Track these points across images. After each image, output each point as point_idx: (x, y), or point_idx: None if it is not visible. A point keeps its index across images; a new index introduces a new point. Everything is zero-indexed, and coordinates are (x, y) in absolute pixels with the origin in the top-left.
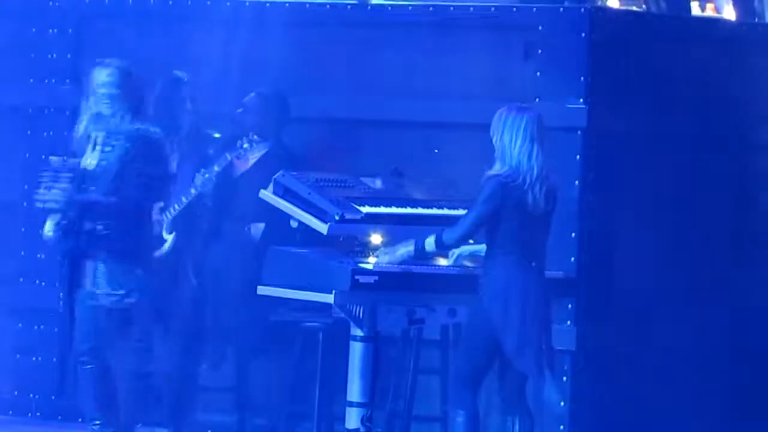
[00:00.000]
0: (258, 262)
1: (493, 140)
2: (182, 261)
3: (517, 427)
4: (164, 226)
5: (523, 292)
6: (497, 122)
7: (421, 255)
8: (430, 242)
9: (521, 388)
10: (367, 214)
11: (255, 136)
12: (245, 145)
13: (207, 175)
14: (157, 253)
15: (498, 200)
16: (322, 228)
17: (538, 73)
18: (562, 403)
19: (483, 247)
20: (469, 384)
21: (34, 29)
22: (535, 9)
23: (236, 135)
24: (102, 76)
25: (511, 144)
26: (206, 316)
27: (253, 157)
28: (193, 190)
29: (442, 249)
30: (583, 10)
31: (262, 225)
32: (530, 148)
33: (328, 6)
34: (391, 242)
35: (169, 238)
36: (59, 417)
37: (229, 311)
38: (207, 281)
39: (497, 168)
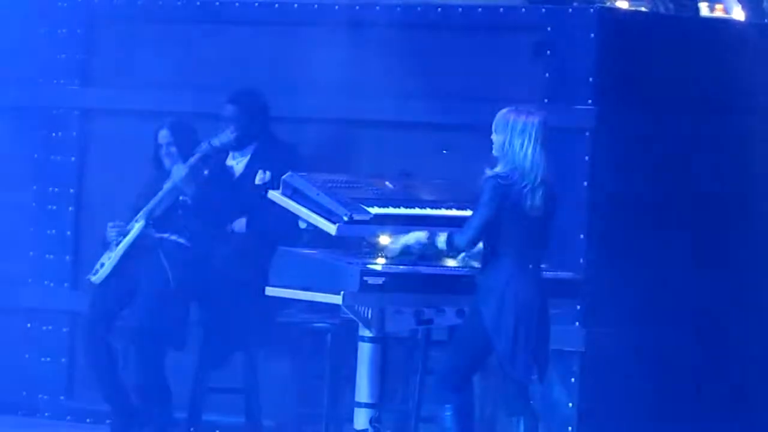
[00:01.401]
0: (244, 256)
1: (495, 140)
2: (155, 252)
3: (521, 427)
4: (140, 213)
5: (518, 295)
6: (501, 123)
7: (430, 249)
8: (441, 241)
9: (524, 388)
10: (376, 215)
11: (231, 133)
12: (221, 136)
13: (182, 166)
14: (125, 241)
15: (498, 201)
16: (331, 229)
17: (547, 74)
18: (570, 405)
19: None
20: (455, 383)
21: (43, 30)
22: (543, 10)
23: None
24: None
25: (514, 146)
26: (189, 313)
27: (242, 161)
28: (169, 183)
29: (453, 251)
30: (591, 10)
31: (243, 220)
32: (534, 150)
33: (336, 7)
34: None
35: (135, 225)
36: (68, 417)
37: (217, 309)
38: (193, 278)
39: (498, 168)
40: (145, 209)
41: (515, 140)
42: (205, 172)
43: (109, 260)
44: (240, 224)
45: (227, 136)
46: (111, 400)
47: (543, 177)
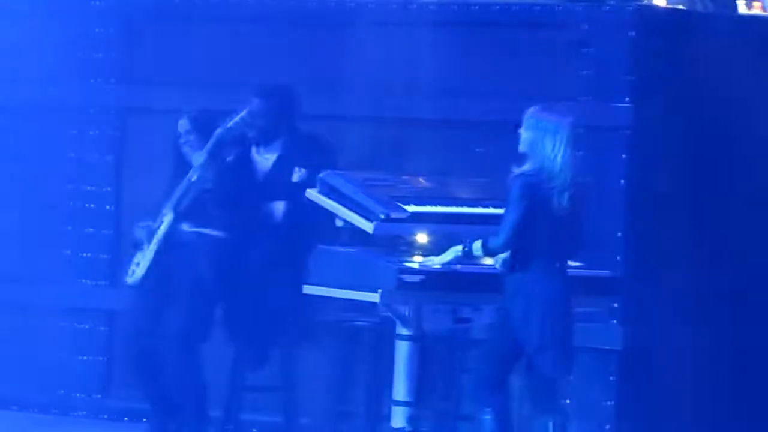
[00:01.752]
0: (279, 253)
1: (524, 137)
2: (189, 247)
3: (551, 425)
4: (166, 207)
5: (545, 292)
6: (532, 121)
7: (468, 258)
8: (477, 248)
9: (551, 386)
10: (413, 213)
11: (245, 112)
12: (236, 119)
13: (201, 153)
14: (156, 238)
15: (528, 198)
16: (368, 227)
17: (584, 72)
18: (608, 403)
19: None
20: (493, 384)
21: (78, 29)
22: (580, 7)
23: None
24: None
25: (544, 146)
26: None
27: (270, 157)
28: (191, 172)
29: (489, 255)
30: (629, 8)
31: (281, 204)
32: (564, 152)
33: (371, 5)
34: (436, 241)
35: (164, 220)
36: (105, 416)
37: (252, 304)
38: (228, 271)
39: (526, 166)
40: (170, 202)
41: (546, 141)
42: (228, 159)
43: (142, 260)
44: (278, 208)
45: (240, 115)
46: (152, 400)
47: (572, 179)
